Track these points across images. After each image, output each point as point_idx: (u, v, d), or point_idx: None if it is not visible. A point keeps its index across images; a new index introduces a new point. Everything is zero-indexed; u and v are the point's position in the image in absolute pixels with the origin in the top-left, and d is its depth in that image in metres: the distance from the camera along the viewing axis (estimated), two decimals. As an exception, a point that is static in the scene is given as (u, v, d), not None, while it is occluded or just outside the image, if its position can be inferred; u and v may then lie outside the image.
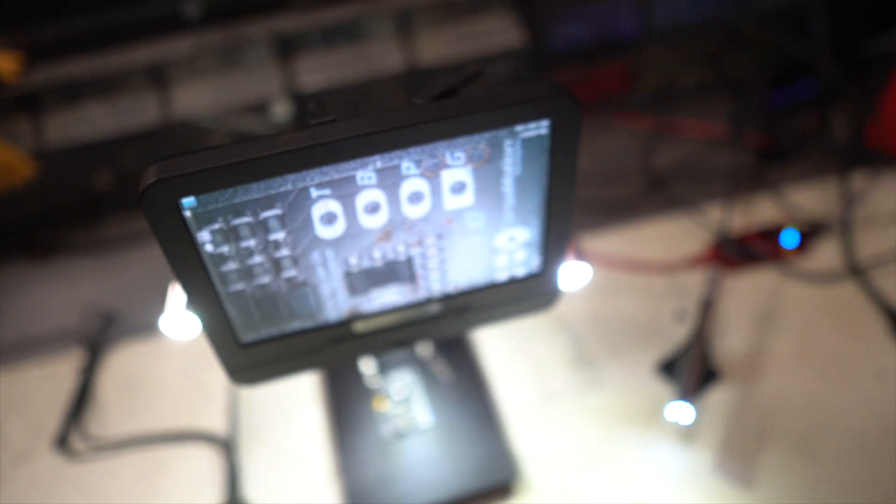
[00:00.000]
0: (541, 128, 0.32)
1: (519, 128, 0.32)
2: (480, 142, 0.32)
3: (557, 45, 0.75)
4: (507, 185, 0.34)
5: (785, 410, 0.53)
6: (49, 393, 0.57)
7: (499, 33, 0.71)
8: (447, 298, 0.38)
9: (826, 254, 0.65)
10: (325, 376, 0.55)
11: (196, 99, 0.67)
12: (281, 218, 0.31)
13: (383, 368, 0.55)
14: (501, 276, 0.38)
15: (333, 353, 0.38)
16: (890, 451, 0.50)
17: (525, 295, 0.40)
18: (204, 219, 0.30)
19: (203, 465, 0.51)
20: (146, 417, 0.55)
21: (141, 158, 0.67)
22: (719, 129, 0.76)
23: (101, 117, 0.66)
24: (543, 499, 0.49)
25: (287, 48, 0.69)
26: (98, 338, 0.60)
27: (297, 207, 0.31)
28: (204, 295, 0.32)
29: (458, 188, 0.33)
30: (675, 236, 0.67)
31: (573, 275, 0.46)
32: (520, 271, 0.39)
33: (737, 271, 0.63)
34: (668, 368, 0.56)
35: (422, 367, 0.55)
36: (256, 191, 0.30)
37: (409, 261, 0.35)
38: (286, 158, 0.29)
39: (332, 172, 0.31)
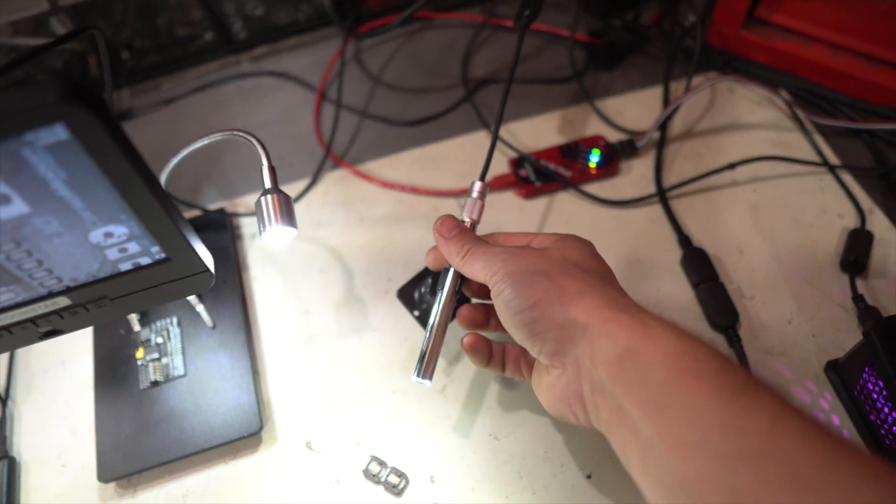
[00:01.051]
0: (57, 134, 0.30)
1: (29, 137, 0.29)
2: (-10, 155, 0.29)
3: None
4: (62, 189, 0.32)
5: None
6: None
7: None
8: (71, 291, 0.37)
9: (636, 173, 0.60)
10: (96, 327, 0.56)
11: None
12: None
13: (148, 316, 0.55)
14: (124, 266, 0.37)
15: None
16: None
17: (167, 279, 0.39)
18: None
19: (-15, 417, 0.54)
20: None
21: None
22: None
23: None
24: (285, 450, 0.50)
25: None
26: None
27: None
28: None
29: (3, 199, 0.31)
30: (477, 155, 0.62)
31: (277, 237, 0.45)
32: (143, 260, 0.37)
33: (535, 194, 0.60)
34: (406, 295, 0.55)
35: (187, 313, 0.55)
36: None
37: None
38: None
39: None
